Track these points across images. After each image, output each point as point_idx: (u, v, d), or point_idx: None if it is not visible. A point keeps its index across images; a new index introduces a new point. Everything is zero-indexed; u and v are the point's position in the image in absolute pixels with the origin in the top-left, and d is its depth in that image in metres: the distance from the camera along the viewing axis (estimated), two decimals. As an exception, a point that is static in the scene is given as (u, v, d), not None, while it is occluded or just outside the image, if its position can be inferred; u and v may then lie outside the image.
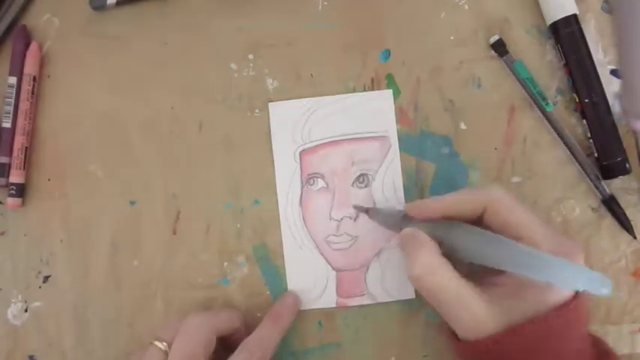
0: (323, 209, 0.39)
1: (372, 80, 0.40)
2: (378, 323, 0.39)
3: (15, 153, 0.40)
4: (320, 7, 0.41)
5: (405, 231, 0.34)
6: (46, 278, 0.41)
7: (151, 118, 0.41)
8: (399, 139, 0.40)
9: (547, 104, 0.38)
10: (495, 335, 0.29)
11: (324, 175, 0.40)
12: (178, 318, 0.35)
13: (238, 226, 0.40)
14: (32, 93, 0.41)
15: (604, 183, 0.38)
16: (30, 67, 0.41)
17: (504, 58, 0.39)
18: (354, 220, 0.39)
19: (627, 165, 0.37)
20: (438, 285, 0.31)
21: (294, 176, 0.40)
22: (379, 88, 0.40)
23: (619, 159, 0.37)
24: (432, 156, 0.40)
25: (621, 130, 0.38)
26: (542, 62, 0.40)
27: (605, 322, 0.38)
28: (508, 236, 0.30)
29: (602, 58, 0.39)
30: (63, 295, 0.41)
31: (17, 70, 0.41)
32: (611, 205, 0.38)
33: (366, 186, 0.39)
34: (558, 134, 0.39)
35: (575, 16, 0.38)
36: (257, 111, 0.41)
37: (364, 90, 0.40)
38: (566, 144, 0.38)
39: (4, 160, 0.41)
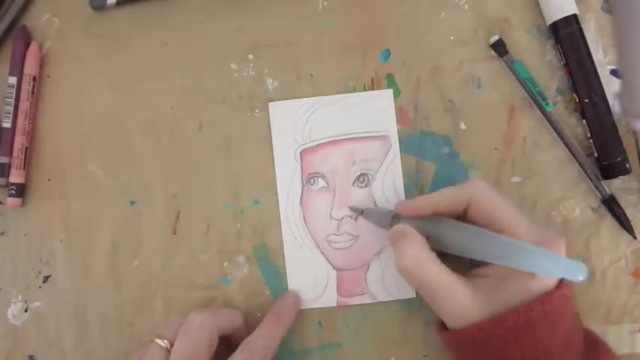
0: (323, 209, 0.39)
1: (372, 80, 0.40)
2: (378, 323, 0.39)
3: (15, 153, 0.40)
4: (320, 7, 0.41)
5: (394, 227, 0.35)
6: (46, 278, 0.41)
7: (151, 118, 0.41)
8: (399, 139, 0.40)
9: (547, 104, 0.38)
10: (480, 323, 0.30)
11: (325, 174, 0.40)
12: (180, 316, 0.35)
13: (238, 226, 0.40)
14: (32, 93, 0.41)
15: (604, 183, 0.38)
16: (30, 67, 0.41)
17: (504, 58, 0.39)
18: (355, 219, 0.39)
19: (627, 165, 0.38)
20: (426, 275, 0.32)
21: (295, 176, 0.40)
22: (379, 88, 0.40)
23: (619, 159, 0.37)
24: (432, 156, 0.40)
25: (621, 130, 0.38)
26: (542, 62, 0.40)
27: (605, 322, 0.38)
28: (491, 229, 0.31)
29: (602, 58, 0.39)
30: (63, 295, 0.41)
31: (17, 70, 0.40)
32: (611, 205, 0.38)
33: (366, 185, 0.39)
34: (558, 134, 0.39)
35: (575, 16, 0.38)
36: (257, 111, 0.41)
37: (364, 90, 0.40)
38: (566, 144, 0.39)
39: (4, 160, 0.40)
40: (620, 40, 0.29)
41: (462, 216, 0.34)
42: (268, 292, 0.40)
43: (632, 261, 0.39)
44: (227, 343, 0.36)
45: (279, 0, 0.41)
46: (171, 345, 0.33)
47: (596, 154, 0.38)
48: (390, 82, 0.40)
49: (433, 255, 0.32)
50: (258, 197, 0.40)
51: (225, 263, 0.40)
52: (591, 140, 0.38)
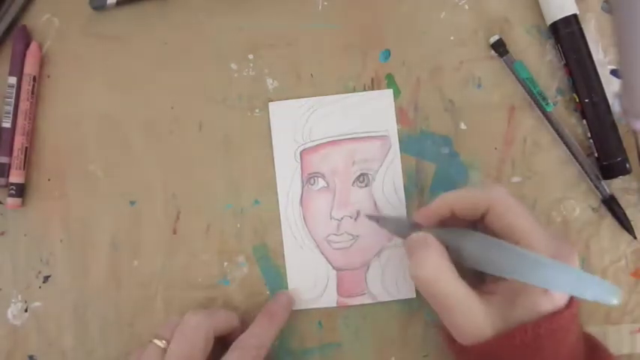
0: (323, 209, 0.39)
1: (372, 80, 0.40)
2: (378, 323, 0.39)
3: (15, 153, 0.40)
4: (320, 7, 0.41)
5: (414, 234, 0.34)
6: (46, 278, 0.41)
7: (151, 118, 0.41)
8: (399, 139, 0.40)
9: (547, 104, 0.38)
10: (490, 340, 0.30)
11: (325, 174, 0.40)
12: (179, 316, 0.35)
13: (238, 226, 0.40)
14: (32, 93, 0.41)
15: (604, 183, 0.38)
16: (30, 67, 0.41)
17: (504, 58, 0.39)
18: (355, 219, 0.39)
19: (627, 165, 0.38)
20: (443, 289, 0.31)
21: (295, 176, 0.40)
22: (379, 88, 0.40)
23: (619, 159, 0.37)
24: (432, 156, 0.40)
25: (621, 130, 0.38)
26: (542, 62, 0.40)
27: (605, 322, 0.38)
28: (507, 239, 0.31)
29: (602, 58, 0.39)
30: (63, 295, 0.41)
31: (17, 70, 0.40)
32: (611, 205, 0.38)
33: (366, 185, 0.39)
34: (558, 134, 0.39)
35: (575, 16, 0.38)
36: (257, 111, 0.41)
37: (364, 90, 0.40)
38: (566, 144, 0.39)
39: (4, 160, 0.40)
40: (620, 40, 0.29)
41: (478, 221, 0.34)
42: (268, 292, 0.40)
43: (632, 261, 0.39)
44: (223, 344, 0.36)
45: (279, 0, 0.41)
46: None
47: (596, 154, 0.38)
48: (390, 82, 0.40)
49: (453, 267, 0.31)
50: (258, 197, 0.40)
51: (225, 263, 0.40)
52: (591, 140, 0.38)
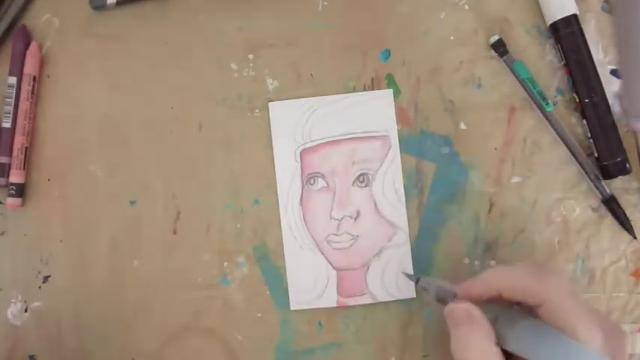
0: (323, 209, 0.39)
1: (372, 80, 0.40)
2: (378, 323, 0.39)
3: (15, 153, 0.40)
4: (320, 7, 0.41)
5: (459, 306, 0.31)
6: (46, 278, 0.41)
7: (151, 118, 0.41)
8: (399, 139, 0.40)
9: (547, 104, 0.38)
10: None
11: (325, 174, 0.40)
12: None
13: (238, 226, 0.40)
14: (32, 93, 0.41)
15: (604, 183, 0.38)
16: (30, 67, 0.41)
17: (504, 58, 0.39)
18: (355, 219, 0.39)
19: (627, 165, 0.38)
20: None
21: (295, 176, 0.40)
22: (379, 88, 0.40)
23: (619, 159, 0.37)
24: (432, 156, 0.40)
25: (621, 130, 0.38)
26: (542, 62, 0.40)
27: (605, 322, 0.38)
28: (558, 327, 0.28)
29: (602, 58, 0.39)
30: (63, 295, 0.41)
31: (17, 70, 0.40)
32: (611, 205, 0.38)
33: (366, 185, 0.40)
34: (558, 134, 0.39)
35: (575, 16, 0.38)
36: (257, 111, 0.41)
37: (364, 90, 0.40)
38: (566, 144, 0.39)
39: (4, 160, 0.41)
40: (620, 40, 0.29)
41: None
42: (268, 292, 0.40)
43: (632, 261, 0.39)
44: None
45: (279, 0, 0.41)
46: None
47: (596, 154, 0.38)
48: (390, 82, 0.40)
49: (500, 353, 0.29)
50: (258, 197, 0.40)
51: (225, 263, 0.40)
52: (591, 140, 0.38)
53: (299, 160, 0.40)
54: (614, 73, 0.39)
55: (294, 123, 0.40)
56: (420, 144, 0.40)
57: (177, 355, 0.40)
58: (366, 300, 0.39)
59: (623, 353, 0.30)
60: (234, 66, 0.41)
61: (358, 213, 0.39)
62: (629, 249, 0.39)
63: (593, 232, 0.39)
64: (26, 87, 0.40)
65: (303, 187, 0.40)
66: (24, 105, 0.40)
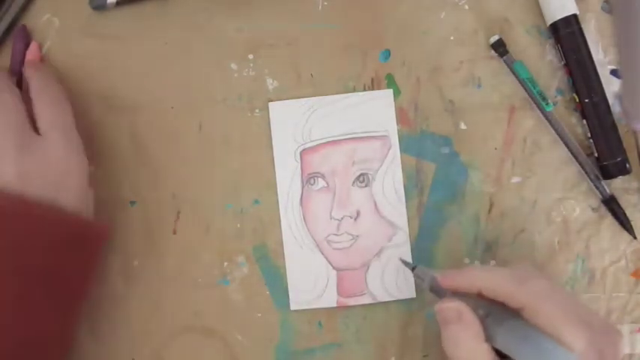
0: (323, 209, 0.39)
1: (372, 80, 0.40)
2: (378, 323, 0.39)
3: (15, 153, 0.40)
4: (320, 7, 0.41)
5: (447, 302, 0.32)
6: (46, 278, 0.41)
7: (150, 118, 0.41)
8: (399, 139, 0.40)
9: (547, 104, 0.38)
10: None
11: (325, 174, 0.40)
12: None
13: (238, 226, 0.40)
14: (32, 93, 0.41)
15: (604, 183, 0.38)
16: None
17: (504, 58, 0.39)
18: (355, 219, 0.39)
19: (627, 165, 0.38)
20: None
21: (295, 176, 0.40)
22: (379, 88, 0.40)
23: (619, 159, 0.37)
24: (432, 156, 0.40)
25: (621, 130, 0.38)
26: (542, 62, 0.40)
27: (605, 322, 0.38)
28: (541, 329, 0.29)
29: (602, 58, 0.39)
30: (63, 295, 0.40)
31: (17, 70, 0.40)
32: (611, 205, 0.38)
33: (366, 185, 0.40)
34: (558, 134, 0.39)
35: (575, 16, 0.38)
36: (257, 111, 0.41)
37: (364, 90, 0.40)
38: (566, 144, 0.39)
39: (4, 160, 0.40)
40: (620, 40, 0.29)
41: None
42: (268, 292, 0.40)
43: (632, 261, 0.39)
44: None
45: (279, 0, 0.41)
46: None
47: (596, 154, 0.38)
48: (390, 82, 0.40)
49: (490, 351, 0.29)
50: (258, 197, 0.40)
51: (225, 263, 0.40)
52: (591, 140, 0.38)
53: (299, 160, 0.40)
54: (614, 73, 0.39)
55: (294, 123, 0.40)
56: (420, 144, 0.40)
57: (177, 355, 0.40)
58: (366, 300, 0.39)
59: (615, 353, 0.30)
60: (234, 66, 0.41)
61: (358, 213, 0.39)
62: (629, 249, 0.39)
63: (593, 232, 0.39)
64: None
65: (303, 187, 0.40)
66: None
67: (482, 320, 0.30)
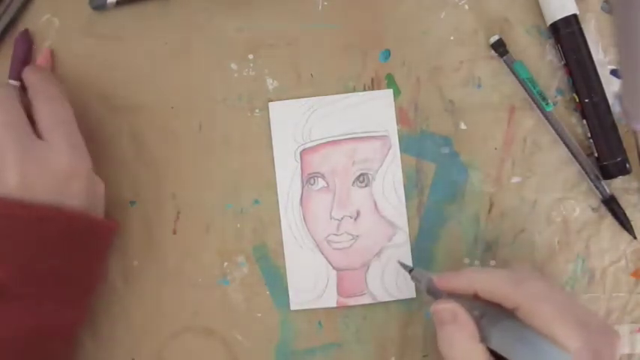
0: (323, 209, 0.39)
1: (372, 80, 0.40)
2: (378, 323, 0.39)
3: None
4: (320, 7, 0.41)
5: (444, 306, 0.32)
6: (46, 278, 0.41)
7: (150, 117, 0.41)
8: (399, 139, 0.40)
9: (547, 104, 0.38)
10: None
11: (325, 174, 0.40)
12: None
13: (238, 226, 0.40)
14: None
15: (604, 183, 0.38)
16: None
17: (504, 58, 0.39)
18: (355, 219, 0.39)
19: (627, 165, 0.38)
20: None
21: (295, 176, 0.40)
22: (379, 88, 0.40)
23: (619, 159, 0.37)
24: (432, 156, 0.40)
25: (621, 130, 0.38)
26: (542, 62, 0.40)
27: (605, 322, 0.38)
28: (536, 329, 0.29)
29: (602, 58, 0.39)
30: (63, 295, 0.40)
31: (17, 74, 0.40)
32: (611, 205, 0.38)
33: (366, 185, 0.40)
34: (558, 134, 0.39)
35: (575, 16, 0.38)
36: (257, 111, 0.41)
37: (364, 90, 0.40)
38: (566, 144, 0.39)
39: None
40: (620, 40, 0.29)
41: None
42: (268, 292, 0.40)
43: (632, 261, 0.39)
44: None
45: (279, 0, 0.41)
46: None
47: (596, 154, 0.38)
48: (390, 82, 0.40)
49: (484, 351, 0.30)
50: (258, 197, 0.40)
51: (225, 263, 0.40)
52: (591, 140, 0.38)
53: (299, 160, 0.40)
54: (614, 73, 0.39)
55: (294, 123, 0.40)
56: (420, 144, 0.40)
57: (177, 355, 0.40)
58: (366, 300, 0.39)
59: (612, 353, 0.30)
60: (234, 66, 0.41)
61: (358, 213, 0.39)
62: (629, 249, 0.39)
63: (593, 232, 0.39)
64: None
65: (303, 187, 0.40)
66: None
67: (478, 321, 0.31)
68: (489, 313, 0.31)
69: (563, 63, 0.39)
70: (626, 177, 0.38)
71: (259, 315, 0.40)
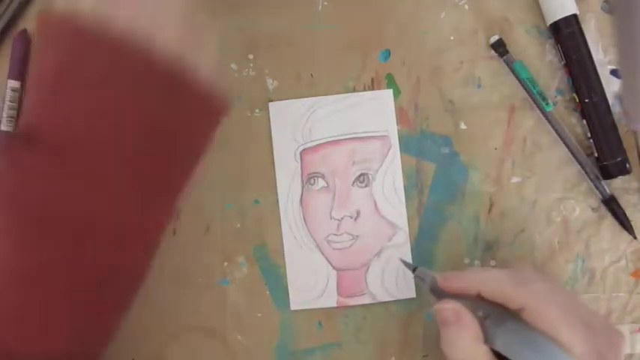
0: (323, 209, 0.39)
1: (372, 80, 0.40)
2: (378, 323, 0.39)
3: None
4: (320, 7, 0.41)
5: (447, 306, 0.32)
6: (46, 278, 0.41)
7: (151, 118, 0.41)
8: (399, 139, 0.40)
9: (547, 104, 0.38)
10: None
11: (325, 174, 0.40)
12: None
13: (238, 226, 0.40)
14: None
15: (604, 183, 0.38)
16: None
17: (504, 58, 0.39)
18: (355, 219, 0.39)
19: (627, 165, 0.38)
20: None
21: (295, 176, 0.40)
22: (379, 88, 0.40)
23: (619, 159, 0.37)
24: (432, 156, 0.40)
25: (621, 130, 0.38)
26: (542, 62, 0.40)
27: (605, 322, 0.38)
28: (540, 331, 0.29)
29: (602, 58, 0.39)
30: (63, 295, 0.40)
31: (19, 74, 0.40)
32: (611, 205, 0.38)
33: (366, 185, 0.40)
34: (558, 134, 0.39)
35: (575, 16, 0.38)
36: (257, 111, 0.41)
37: (364, 90, 0.40)
38: (566, 144, 0.38)
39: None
40: (620, 40, 0.29)
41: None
42: (268, 292, 0.40)
43: (632, 261, 0.39)
44: None
45: (279, 0, 0.41)
46: None
47: (596, 154, 0.38)
48: (390, 82, 0.40)
49: (487, 352, 0.30)
50: (258, 197, 0.40)
51: (225, 263, 0.40)
52: (591, 140, 0.38)
53: (299, 160, 0.40)
54: (614, 73, 0.39)
55: (294, 123, 0.40)
56: (420, 144, 0.40)
57: (177, 355, 0.40)
58: (366, 300, 0.39)
59: (616, 355, 0.30)
60: (234, 66, 0.41)
61: (358, 213, 0.39)
62: (629, 249, 0.39)
63: (593, 232, 0.39)
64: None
65: (303, 187, 0.40)
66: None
67: (481, 322, 0.30)
68: (493, 313, 0.31)
69: (563, 63, 0.39)
70: (626, 177, 0.38)
71: (259, 315, 0.40)
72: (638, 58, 0.29)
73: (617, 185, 0.39)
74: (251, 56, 0.41)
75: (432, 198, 0.39)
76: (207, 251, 0.40)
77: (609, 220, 0.39)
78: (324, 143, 0.40)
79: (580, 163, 0.38)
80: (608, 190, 0.38)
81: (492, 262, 0.39)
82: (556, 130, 0.39)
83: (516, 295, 0.30)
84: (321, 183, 0.40)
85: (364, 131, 0.40)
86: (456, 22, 0.40)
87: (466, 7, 0.40)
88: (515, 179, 0.39)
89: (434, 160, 0.40)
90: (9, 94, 0.40)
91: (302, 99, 0.40)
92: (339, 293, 0.39)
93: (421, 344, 0.39)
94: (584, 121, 0.38)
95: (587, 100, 0.38)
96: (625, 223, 0.38)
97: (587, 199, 0.39)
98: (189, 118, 0.28)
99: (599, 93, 0.38)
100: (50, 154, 0.26)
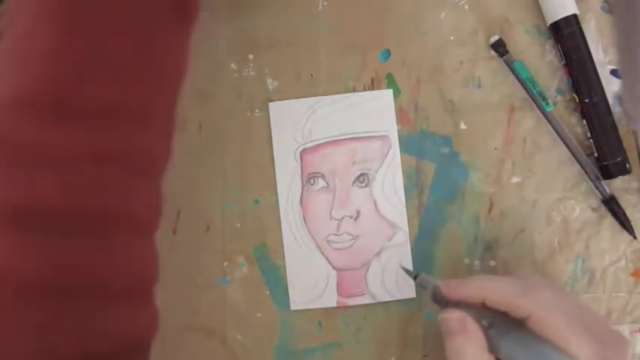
0: (323, 209, 0.40)
1: (372, 80, 0.40)
2: (378, 323, 0.39)
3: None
4: (320, 7, 0.41)
5: (452, 315, 0.31)
6: (46, 278, 0.41)
7: (151, 118, 0.41)
8: (399, 139, 0.40)
9: (547, 104, 0.38)
10: None
11: (325, 174, 0.40)
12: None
13: (238, 226, 0.40)
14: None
15: (604, 183, 0.38)
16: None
17: (504, 58, 0.39)
18: (355, 219, 0.39)
19: (627, 165, 0.38)
20: None
21: (295, 176, 0.40)
22: (379, 88, 0.40)
23: (619, 159, 0.37)
24: (432, 156, 0.40)
25: (621, 130, 0.38)
26: (542, 62, 0.40)
27: (605, 322, 0.38)
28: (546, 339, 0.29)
29: (602, 58, 0.39)
30: (63, 295, 0.40)
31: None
32: (611, 205, 0.38)
33: (366, 185, 0.40)
34: (558, 134, 0.39)
35: (575, 16, 0.38)
36: (257, 111, 0.41)
37: (364, 90, 0.40)
38: (566, 144, 0.38)
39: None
40: (620, 40, 0.29)
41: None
42: (268, 292, 0.40)
43: (632, 261, 0.39)
44: None
45: (279, 0, 0.41)
46: None
47: (596, 154, 0.38)
48: (390, 82, 0.40)
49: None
50: (258, 197, 0.40)
51: (225, 263, 0.40)
52: (591, 140, 0.38)
53: (299, 160, 0.40)
54: (614, 73, 0.39)
55: (294, 123, 0.40)
56: (420, 144, 0.40)
57: (177, 355, 0.40)
58: (366, 300, 0.39)
59: None
60: (234, 66, 0.41)
61: (358, 213, 0.39)
62: (629, 249, 0.39)
63: (593, 232, 0.39)
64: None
65: (303, 187, 0.40)
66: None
67: (486, 331, 0.30)
68: (498, 322, 0.31)
69: (563, 63, 0.39)
70: (626, 177, 0.38)
71: (259, 315, 0.40)
72: (638, 58, 0.29)
73: (617, 185, 0.39)
74: (251, 56, 0.41)
75: (432, 198, 0.39)
76: (207, 251, 0.40)
77: (609, 220, 0.39)
78: (324, 143, 0.40)
79: (580, 163, 0.38)
80: (608, 190, 0.38)
81: (492, 262, 0.39)
82: (556, 130, 0.39)
83: (522, 305, 0.30)
84: (321, 183, 0.40)
85: (364, 131, 0.40)
86: (456, 22, 0.40)
87: (466, 7, 0.40)
88: (515, 179, 0.39)
89: (434, 160, 0.40)
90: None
91: (302, 99, 0.40)
92: (339, 293, 0.39)
93: (421, 344, 0.39)
94: (584, 121, 0.38)
95: (587, 100, 0.38)
96: (625, 223, 0.38)
97: (587, 199, 0.39)
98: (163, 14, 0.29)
99: (599, 93, 0.38)
100: None
